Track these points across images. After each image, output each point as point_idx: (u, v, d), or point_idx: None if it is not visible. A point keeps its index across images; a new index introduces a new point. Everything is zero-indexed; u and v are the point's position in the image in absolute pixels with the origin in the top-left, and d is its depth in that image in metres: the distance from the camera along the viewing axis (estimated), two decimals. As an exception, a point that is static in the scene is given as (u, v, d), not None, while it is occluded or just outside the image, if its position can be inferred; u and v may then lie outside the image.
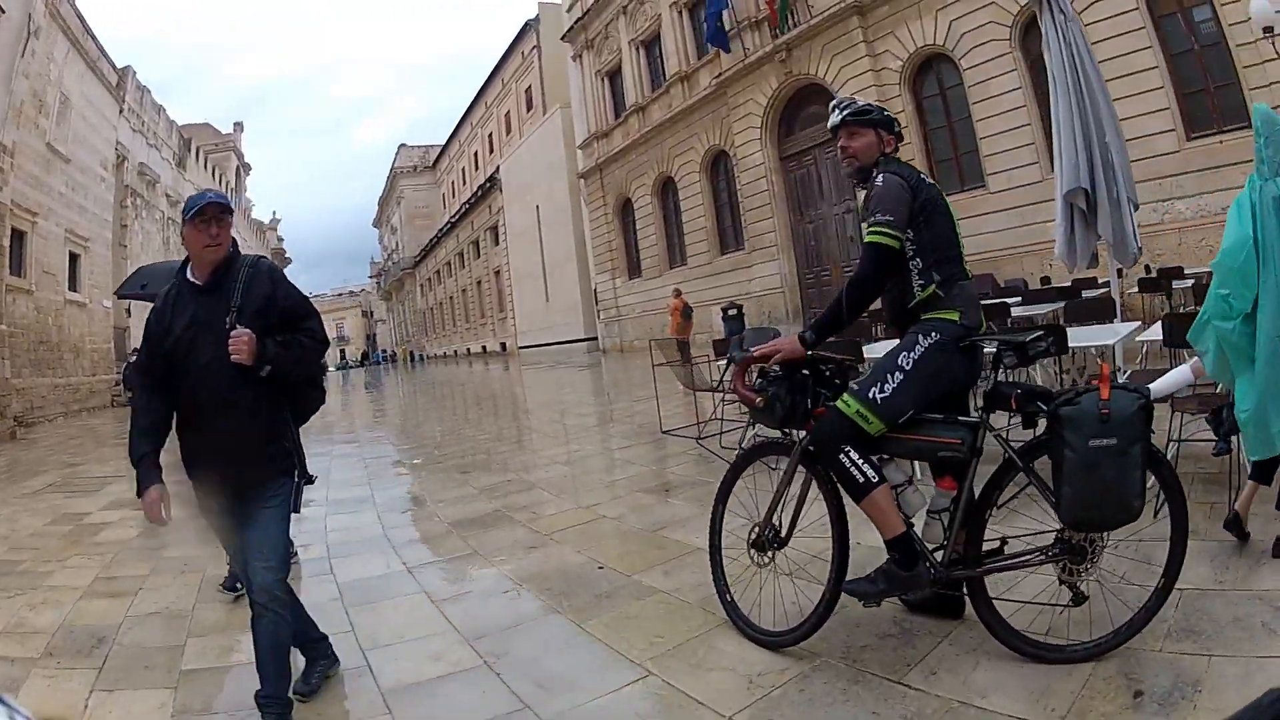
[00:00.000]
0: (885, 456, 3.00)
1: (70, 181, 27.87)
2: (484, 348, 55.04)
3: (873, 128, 3.14)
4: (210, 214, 2.81)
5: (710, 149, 24.62)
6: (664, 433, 8.82)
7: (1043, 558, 2.80)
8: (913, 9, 17.12)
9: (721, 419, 7.74)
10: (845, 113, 3.18)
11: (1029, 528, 2.94)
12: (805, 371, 3.12)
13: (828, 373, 3.17)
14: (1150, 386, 2.97)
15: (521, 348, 44.17)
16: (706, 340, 14.46)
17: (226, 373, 2.76)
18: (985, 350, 3.16)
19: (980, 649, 2.87)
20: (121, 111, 34.39)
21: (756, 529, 3.32)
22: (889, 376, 2.89)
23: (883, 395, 2.86)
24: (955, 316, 2.95)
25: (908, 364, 2.90)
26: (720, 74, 22.60)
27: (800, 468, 3.18)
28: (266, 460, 2.89)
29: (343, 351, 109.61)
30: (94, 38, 30.46)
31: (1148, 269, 10.81)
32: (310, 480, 3.12)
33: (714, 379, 8.16)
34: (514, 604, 4.09)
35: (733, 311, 19.66)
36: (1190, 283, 9.92)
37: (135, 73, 36.15)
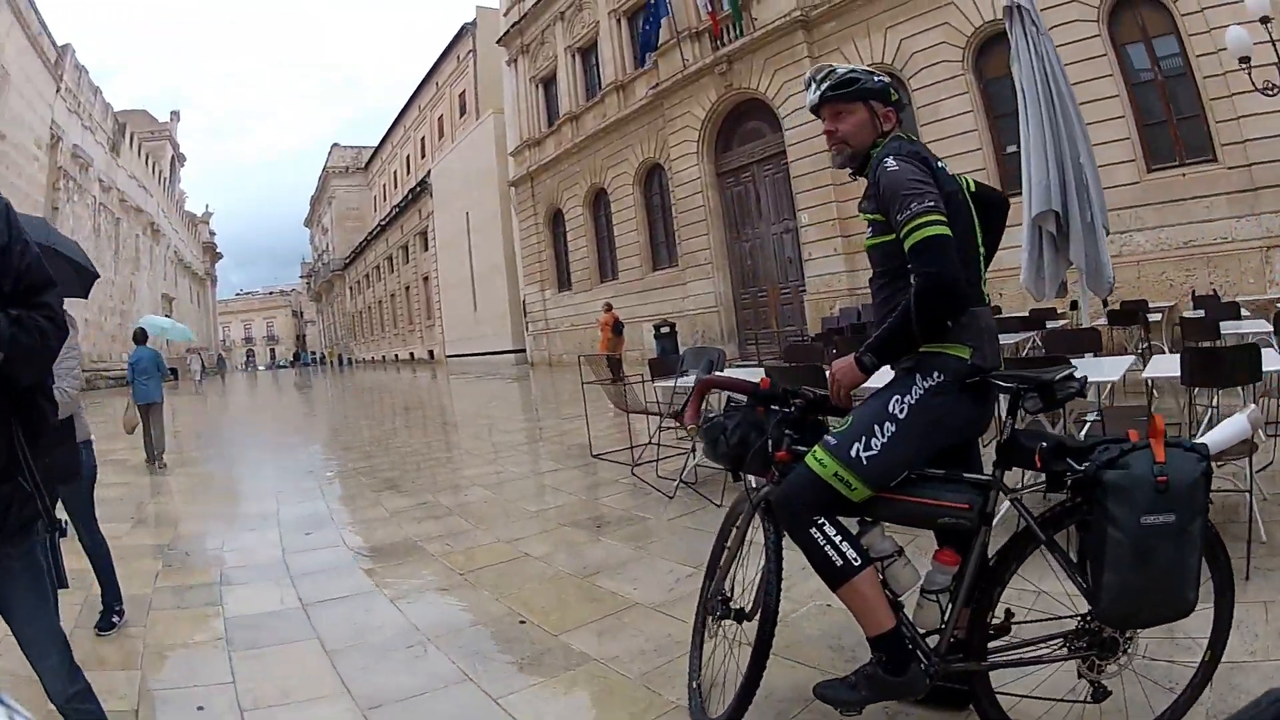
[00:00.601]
0: (869, 520, 2.34)
1: (4, 159, 26.95)
2: (411, 354, 54.52)
3: (863, 100, 2.41)
4: None
5: (645, 161, 23.58)
6: (595, 456, 7.96)
7: (1066, 652, 2.16)
8: (861, 26, 16.19)
9: (658, 445, 6.75)
10: (824, 86, 2.43)
11: (1033, 586, 2.41)
12: (776, 406, 2.50)
13: (795, 409, 2.48)
14: (1205, 441, 2.14)
15: (449, 356, 43.44)
16: (639, 358, 13.79)
17: None
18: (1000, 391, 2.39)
19: (1001, 748, 2.25)
20: (59, 91, 33.72)
21: (709, 590, 2.72)
22: (877, 429, 2.22)
23: (869, 453, 2.20)
24: (965, 353, 2.24)
25: (901, 412, 2.23)
26: (657, 84, 21.62)
27: (757, 521, 2.55)
28: (1, 508, 1.95)
29: (273, 351, 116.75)
30: (36, 10, 28.99)
31: (1104, 303, 10.03)
32: (61, 532, 2.15)
33: (648, 401, 7.48)
34: (419, 663, 3.35)
35: (665, 329, 18.85)
36: (1158, 317, 9.08)
37: (74, 51, 35.52)
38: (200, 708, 3.05)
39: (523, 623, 3.69)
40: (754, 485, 2.57)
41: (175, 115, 70.08)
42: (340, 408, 21.71)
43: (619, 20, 24.63)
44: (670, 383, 6.63)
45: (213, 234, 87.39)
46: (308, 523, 6.39)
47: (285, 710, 3.03)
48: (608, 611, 3.72)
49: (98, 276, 3.85)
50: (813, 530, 2.21)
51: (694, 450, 6.01)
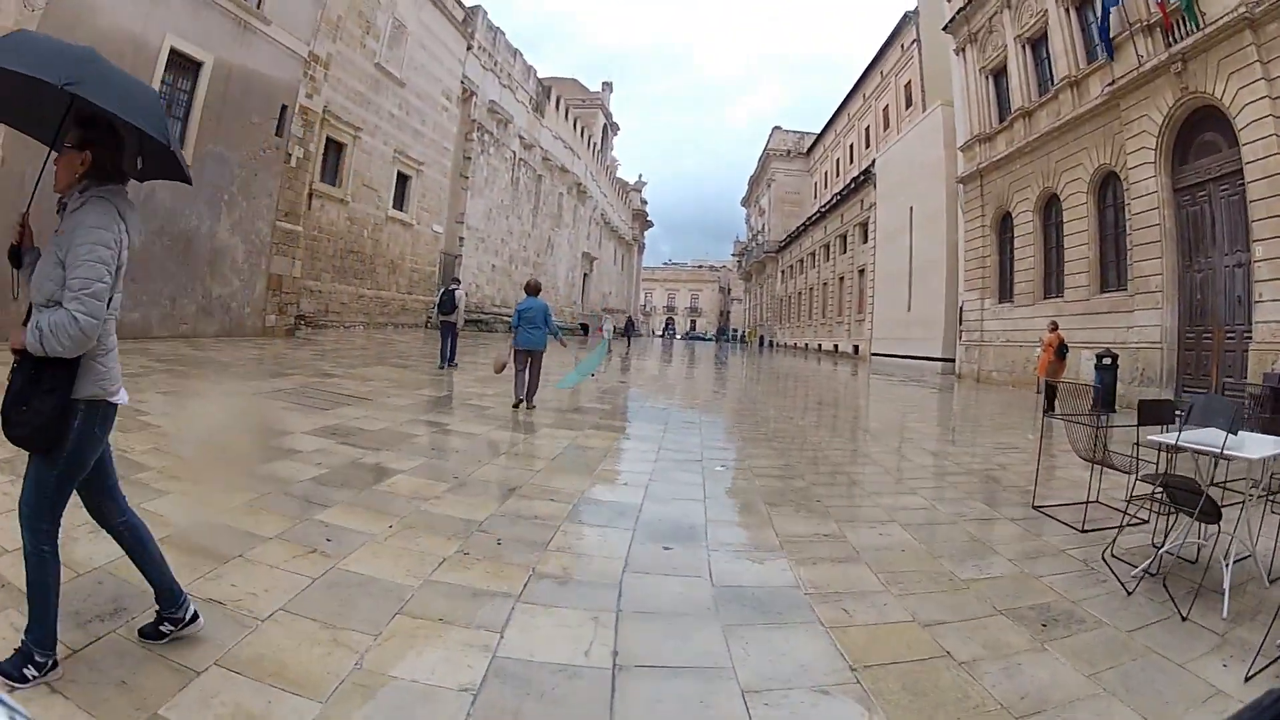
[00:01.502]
0: None
1: (404, 105, 33.10)
2: (835, 346, 57.53)
3: None
4: None
5: (1099, 168, 23.39)
6: (1035, 508, 7.00)
7: None
8: (1297, 29, 14.86)
9: (1125, 513, 5.69)
10: None
11: None
12: None
13: None
14: None
15: (873, 354, 45.57)
16: (1072, 390, 12.83)
17: None
18: None
19: None
20: (470, 49, 39.91)
21: None
22: None
23: None
24: None
25: None
26: (1113, 82, 21.55)
27: None
28: None
29: (693, 323, 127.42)
30: (433, -31, 35.18)
31: None
32: None
33: (1110, 448, 6.58)
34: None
35: (1107, 360, 18.55)
36: None
37: (486, 13, 41.46)
38: None
39: None
40: None
41: (608, 86, 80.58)
42: (753, 390, 21.85)
43: (1068, 10, 24.80)
44: (1169, 438, 5.35)
45: (644, 202, 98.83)
46: (672, 532, 5.64)
47: None
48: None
49: (183, 167, 3.24)
50: None
51: (1166, 529, 5.24)
